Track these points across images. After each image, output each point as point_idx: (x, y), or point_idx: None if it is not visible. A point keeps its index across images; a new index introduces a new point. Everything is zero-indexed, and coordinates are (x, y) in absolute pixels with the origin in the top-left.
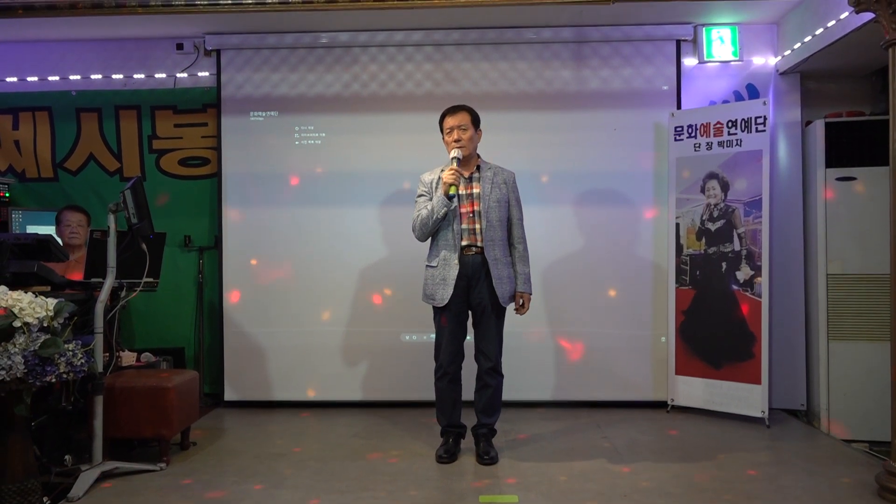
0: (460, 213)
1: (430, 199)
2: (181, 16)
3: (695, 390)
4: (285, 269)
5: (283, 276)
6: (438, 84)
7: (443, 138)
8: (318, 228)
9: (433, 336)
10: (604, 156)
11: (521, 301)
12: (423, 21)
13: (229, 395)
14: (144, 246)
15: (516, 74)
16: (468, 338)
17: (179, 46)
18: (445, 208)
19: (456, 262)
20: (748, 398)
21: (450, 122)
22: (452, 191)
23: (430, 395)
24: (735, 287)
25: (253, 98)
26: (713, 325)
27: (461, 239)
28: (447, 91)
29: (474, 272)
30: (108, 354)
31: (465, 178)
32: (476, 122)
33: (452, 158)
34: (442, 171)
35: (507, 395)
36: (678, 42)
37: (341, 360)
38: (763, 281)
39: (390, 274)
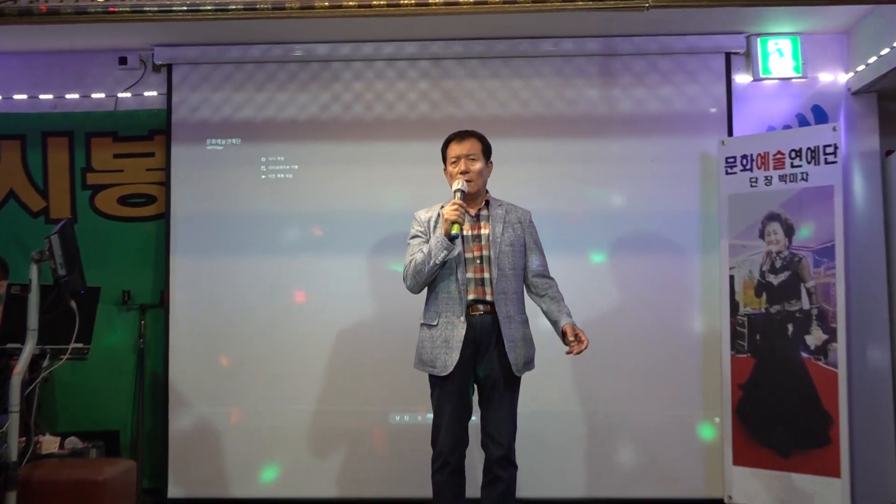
0: (465, 259)
1: (427, 241)
2: (125, 24)
3: (758, 485)
4: (247, 332)
5: (243, 342)
6: (436, 106)
7: (444, 169)
8: (288, 282)
9: (430, 417)
10: (640, 193)
11: (574, 334)
12: (418, 31)
13: (174, 490)
14: (74, 304)
15: (531, 94)
16: (473, 418)
17: (122, 61)
18: (446, 251)
19: (462, 319)
20: (825, 495)
21: (456, 149)
22: (455, 230)
23: (426, 490)
24: (805, 355)
25: (210, 123)
26: (779, 403)
27: (467, 291)
28: (447, 114)
29: (484, 334)
30: (24, 439)
31: (471, 217)
32: (487, 152)
33: (456, 191)
34: (442, 207)
35: (522, 491)
36: (728, 55)
37: (313, 446)
38: (839, 347)
39: (377, 336)
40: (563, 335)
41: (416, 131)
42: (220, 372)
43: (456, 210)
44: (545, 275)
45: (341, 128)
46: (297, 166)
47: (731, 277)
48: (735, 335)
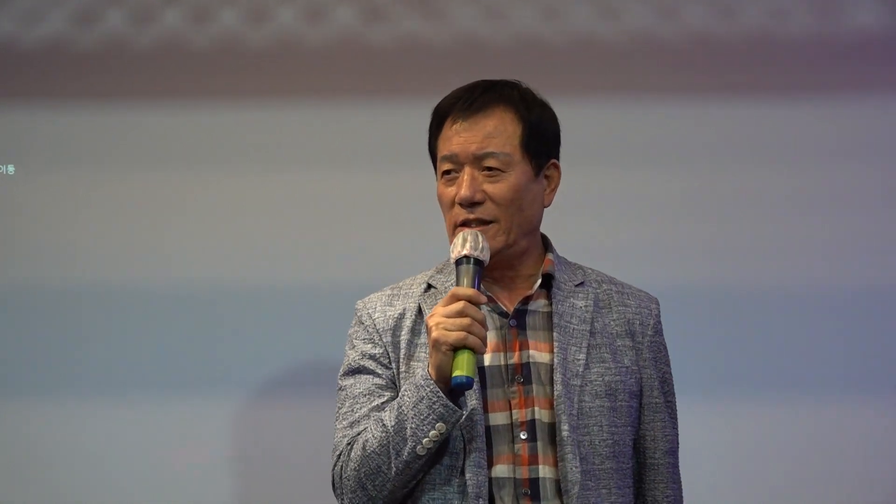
0: (486, 431)
1: (389, 388)
2: None
3: None
4: None
5: None
6: (380, 16)
7: (437, 183)
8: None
9: None
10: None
11: None
12: None
13: None
14: None
15: None
16: None
17: None
18: (442, 424)
19: None
20: None
21: (453, 139)
22: (463, 368)
23: None
24: None
25: None
26: None
27: None
28: (419, 36)
29: None
30: None
31: (498, 322)
32: (538, 141)
33: (459, 261)
34: (429, 288)
35: None
36: None
37: None
38: None
39: None
40: None
41: (344, 82)
42: None
43: (460, 316)
44: (670, 472)
45: (142, 65)
46: (11, 168)
47: None
48: None
